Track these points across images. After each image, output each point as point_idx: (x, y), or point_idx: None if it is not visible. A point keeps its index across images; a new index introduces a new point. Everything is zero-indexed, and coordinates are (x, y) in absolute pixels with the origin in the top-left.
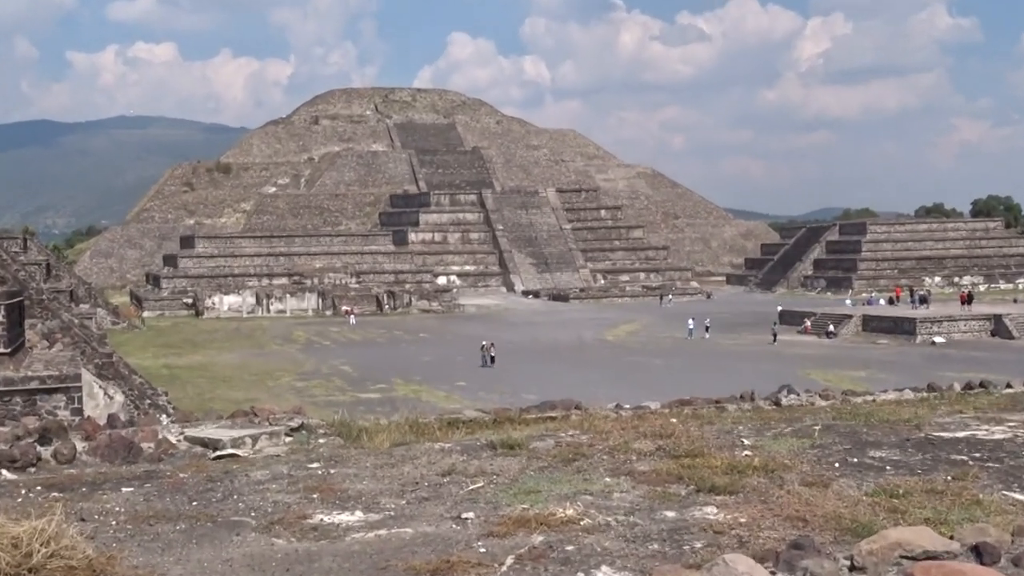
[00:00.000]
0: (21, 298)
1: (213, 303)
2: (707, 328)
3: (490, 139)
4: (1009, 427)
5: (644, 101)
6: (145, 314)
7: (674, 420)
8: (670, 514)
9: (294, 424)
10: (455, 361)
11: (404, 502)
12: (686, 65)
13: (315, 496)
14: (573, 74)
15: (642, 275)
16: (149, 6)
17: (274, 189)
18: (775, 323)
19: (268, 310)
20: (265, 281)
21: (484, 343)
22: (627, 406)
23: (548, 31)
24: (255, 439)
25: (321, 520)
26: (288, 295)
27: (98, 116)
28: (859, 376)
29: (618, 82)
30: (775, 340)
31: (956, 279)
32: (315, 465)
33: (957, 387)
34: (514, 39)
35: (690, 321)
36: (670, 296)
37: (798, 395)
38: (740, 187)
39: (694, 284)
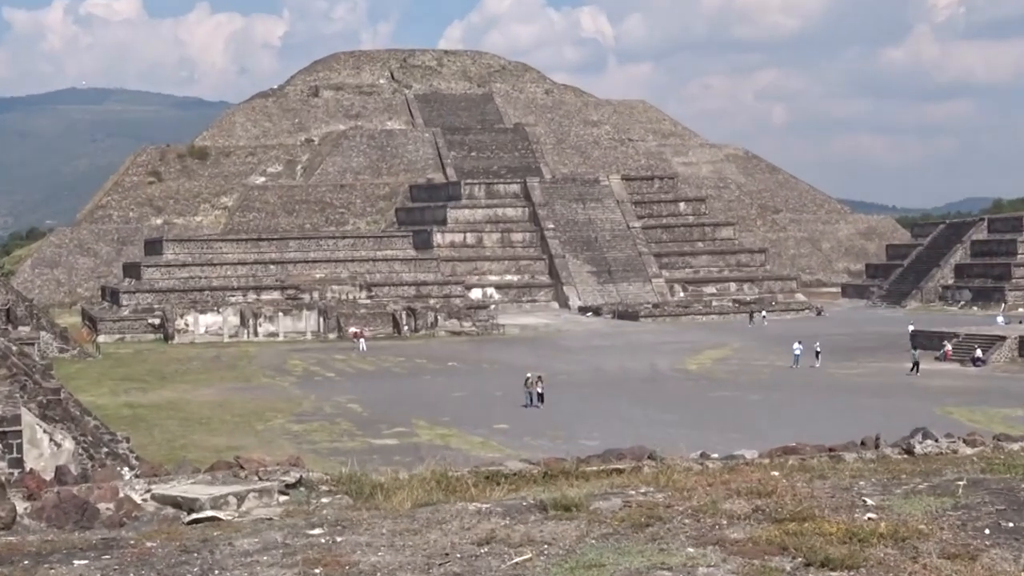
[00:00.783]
0: None
1: (186, 324)
2: (818, 354)
3: (537, 113)
4: None
5: (734, 63)
6: (100, 338)
7: (776, 473)
8: None
9: (290, 479)
10: (493, 397)
11: None
12: (788, 16)
13: (317, 571)
14: (643, 29)
15: (733, 286)
16: None
17: (263, 179)
18: (914, 350)
19: (256, 333)
20: (252, 296)
21: (529, 376)
22: (715, 455)
23: None
24: (241, 498)
25: None
26: (281, 314)
27: (42, 89)
28: (1016, 416)
29: (701, 39)
30: (915, 370)
31: None
32: (317, 531)
33: None
34: None
35: (796, 345)
36: (764, 313)
37: (936, 441)
38: (858, 172)
39: (800, 297)
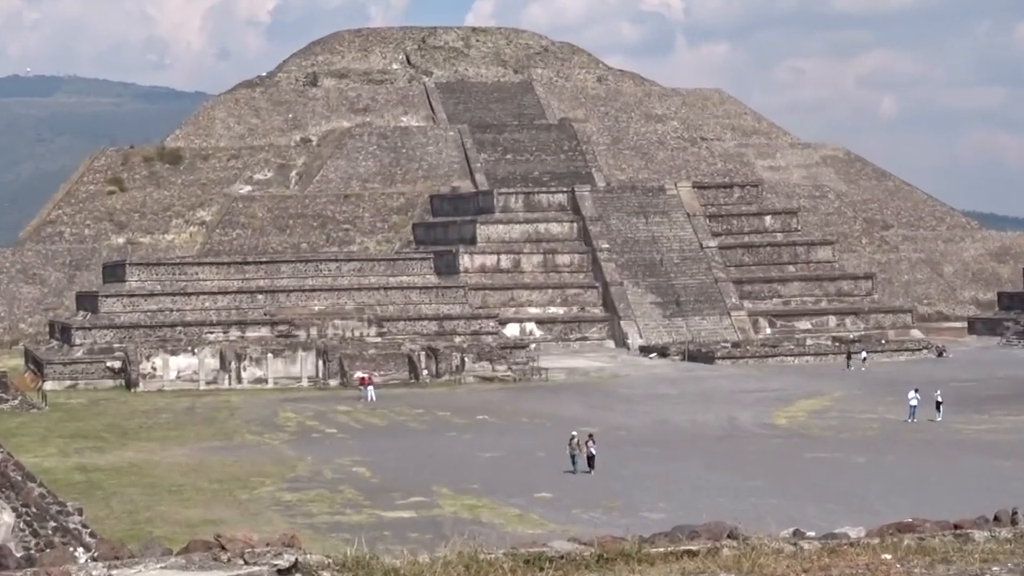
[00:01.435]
0: None
1: (154, 368)
2: (939, 405)
3: (588, 106)
4: None
5: (833, 43)
6: (48, 385)
7: (888, 557)
8: None
9: (283, 563)
10: (534, 459)
11: None
12: None
13: None
14: (718, 1)
15: (832, 320)
16: None
17: (249, 188)
18: None
19: (239, 378)
20: (235, 333)
21: (575, 435)
22: (811, 533)
23: None
24: None
25: None
26: (271, 355)
27: None
28: None
29: (791, 13)
30: None
31: None
32: None
33: None
34: None
35: (912, 394)
36: (864, 353)
37: None
38: (989, 178)
39: (916, 333)
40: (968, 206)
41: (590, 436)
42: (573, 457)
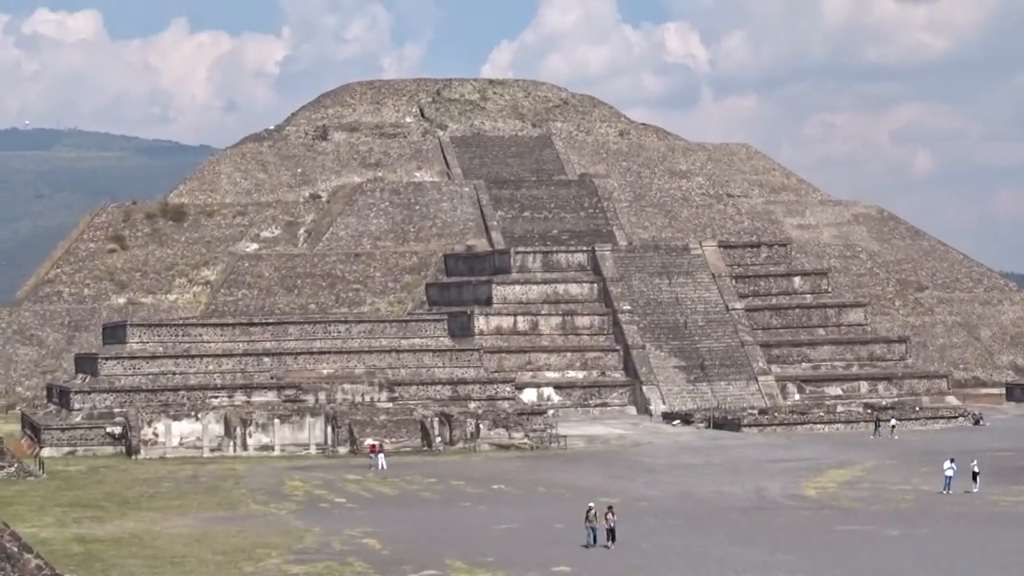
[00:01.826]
0: None
1: (155, 434)
2: (976, 475)
3: (609, 161)
4: None
5: (865, 96)
6: (45, 452)
7: None
8: None
9: None
10: (552, 531)
11: None
12: (936, 35)
13: None
14: (746, 52)
15: (864, 385)
16: None
17: (255, 246)
18: None
19: (244, 445)
20: (240, 397)
21: (592, 507)
22: None
23: None
24: None
25: None
26: (277, 420)
27: None
28: None
29: (821, 65)
30: None
31: None
32: None
33: None
34: None
35: (947, 464)
36: (893, 421)
37: None
38: None
39: (952, 400)
40: (1006, 267)
41: (609, 508)
42: (592, 530)
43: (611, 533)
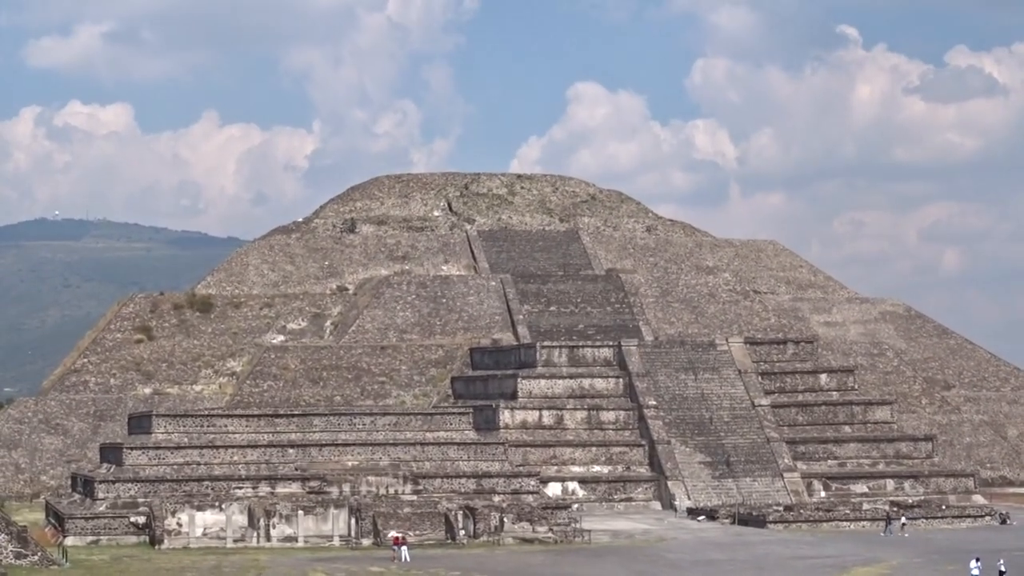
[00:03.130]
0: None
1: (179, 524)
2: (1002, 574)
3: (636, 256)
4: None
5: (893, 195)
6: (69, 541)
7: None
8: None
9: None
10: None
11: None
12: (965, 134)
13: None
14: (774, 150)
15: (891, 483)
16: (92, 46)
17: (282, 338)
18: None
19: (268, 536)
20: (264, 488)
21: None
22: None
23: (731, 81)
24: None
25: None
26: (301, 512)
27: (3, 220)
28: None
29: (849, 163)
30: None
31: None
32: None
33: None
34: (676, 93)
35: (973, 563)
36: (903, 519)
37: None
38: None
39: (979, 499)
40: None
41: None
42: None
43: None
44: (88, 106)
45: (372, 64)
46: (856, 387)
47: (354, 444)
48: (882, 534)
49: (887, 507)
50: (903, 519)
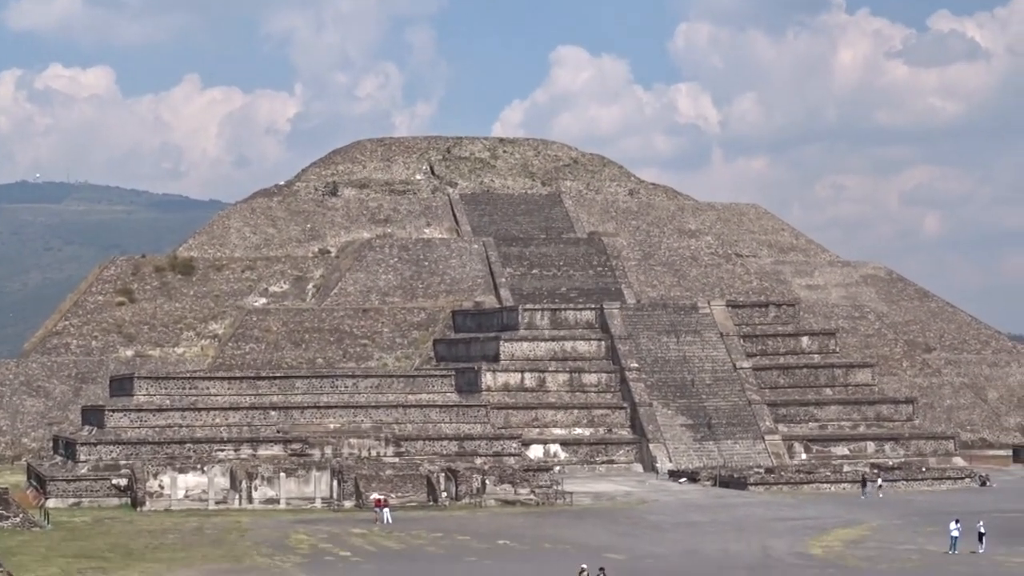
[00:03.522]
0: None
1: (161, 486)
2: (982, 536)
3: (619, 220)
4: None
5: (875, 159)
6: (50, 503)
7: None
8: None
9: None
10: None
11: None
12: (947, 98)
13: None
14: (756, 114)
15: (871, 445)
16: (73, 9)
17: (264, 300)
18: None
19: (250, 498)
20: (246, 451)
21: (584, 568)
22: None
23: (714, 45)
24: None
25: None
26: (283, 474)
27: None
28: None
29: (832, 127)
30: None
31: None
32: None
33: None
34: (659, 57)
35: (953, 524)
36: (879, 482)
37: None
38: None
39: (959, 461)
40: (1015, 329)
41: (601, 570)
42: None
43: None
44: (69, 69)
45: (354, 27)
46: (837, 350)
47: (336, 406)
48: (862, 496)
49: (869, 469)
50: (879, 481)
